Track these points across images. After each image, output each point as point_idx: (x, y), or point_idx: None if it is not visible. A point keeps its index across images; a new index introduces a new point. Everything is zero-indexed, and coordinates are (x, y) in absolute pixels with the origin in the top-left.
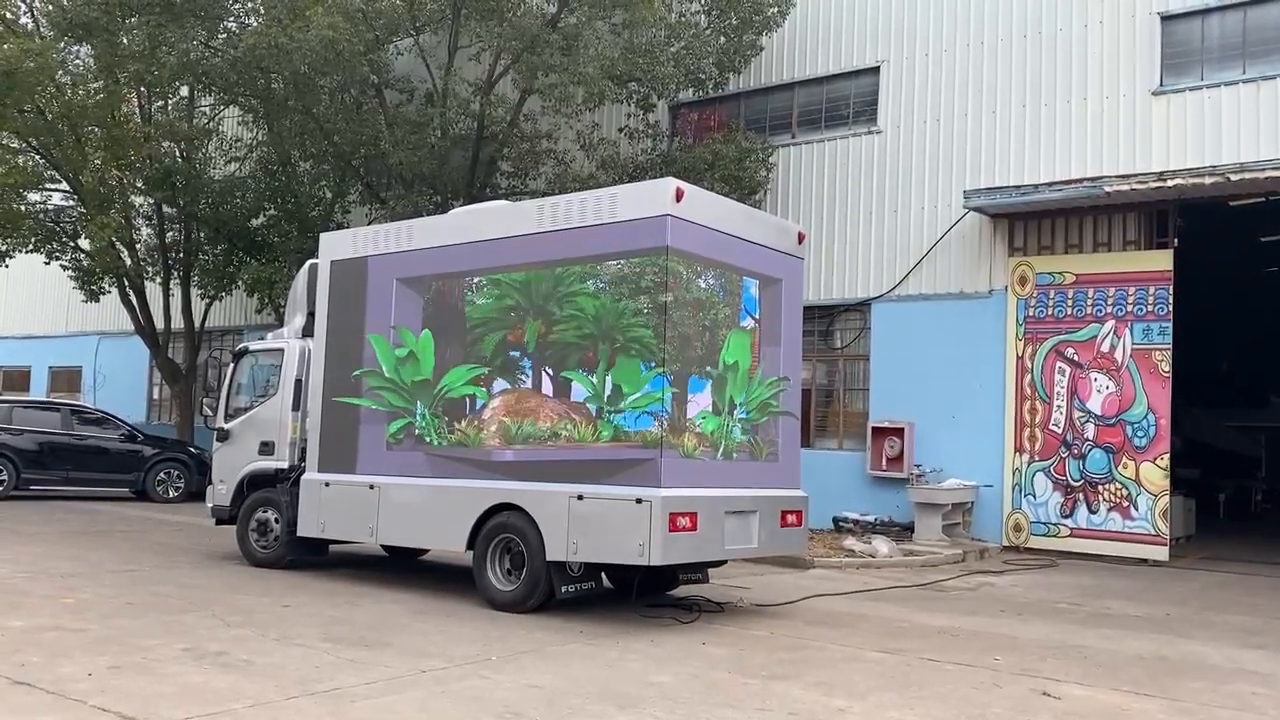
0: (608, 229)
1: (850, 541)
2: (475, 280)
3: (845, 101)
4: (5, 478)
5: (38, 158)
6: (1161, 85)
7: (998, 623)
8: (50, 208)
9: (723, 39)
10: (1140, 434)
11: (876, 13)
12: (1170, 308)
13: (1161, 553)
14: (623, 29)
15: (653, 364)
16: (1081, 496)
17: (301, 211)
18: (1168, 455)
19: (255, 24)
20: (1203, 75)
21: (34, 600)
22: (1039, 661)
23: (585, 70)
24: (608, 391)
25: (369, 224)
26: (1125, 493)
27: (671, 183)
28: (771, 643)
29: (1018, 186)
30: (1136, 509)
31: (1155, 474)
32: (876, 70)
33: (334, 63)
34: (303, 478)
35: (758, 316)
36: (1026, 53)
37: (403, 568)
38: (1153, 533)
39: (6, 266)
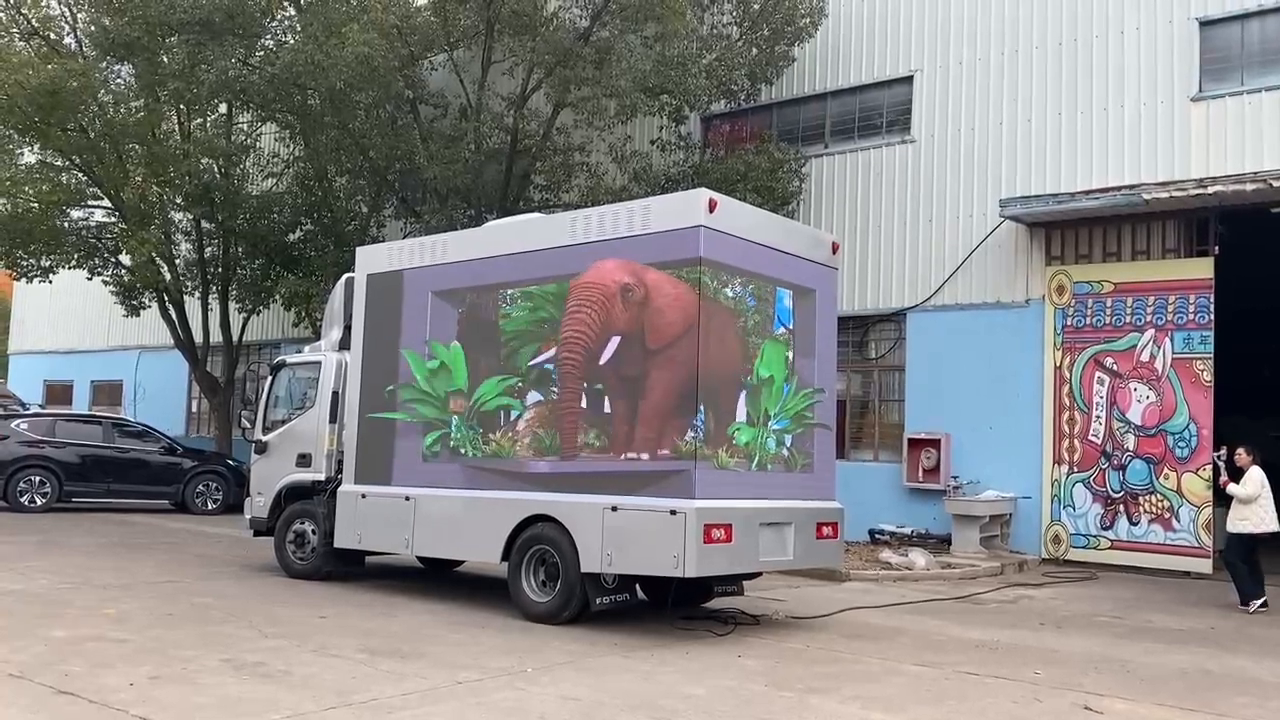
0: (641, 240)
1: (886, 554)
2: (509, 292)
3: (878, 111)
4: (48, 490)
5: (80, 175)
6: (1200, 91)
7: (1037, 636)
8: (92, 224)
9: (755, 50)
10: (1182, 444)
11: (909, 22)
12: (1211, 316)
13: (1204, 565)
14: (654, 42)
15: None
16: (1122, 508)
17: (338, 226)
18: (1210, 466)
19: (292, 42)
20: (1243, 80)
21: (76, 611)
22: (1080, 675)
23: (617, 83)
24: None
25: (404, 238)
26: (1167, 504)
27: (704, 194)
28: (808, 655)
29: (1054, 195)
30: (1178, 521)
31: (1197, 485)
32: (910, 79)
33: (369, 78)
34: (339, 489)
35: (792, 327)
36: (1062, 60)
37: (438, 579)
38: (1195, 545)
39: (50, 282)
